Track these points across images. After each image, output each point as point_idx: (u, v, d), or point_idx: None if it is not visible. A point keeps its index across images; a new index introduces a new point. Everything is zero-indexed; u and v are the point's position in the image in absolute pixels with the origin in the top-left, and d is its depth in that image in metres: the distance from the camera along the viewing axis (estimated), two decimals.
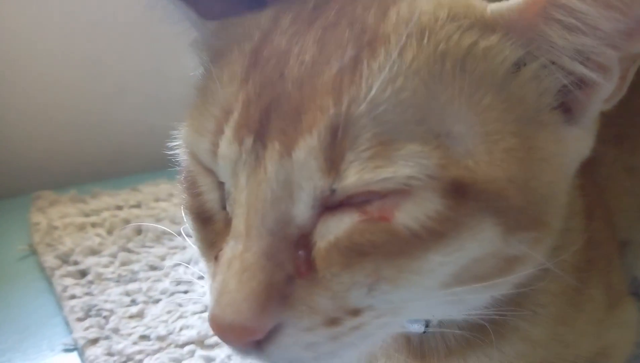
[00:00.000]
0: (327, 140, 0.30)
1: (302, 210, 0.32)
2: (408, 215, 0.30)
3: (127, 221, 0.89)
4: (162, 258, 0.79)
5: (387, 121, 0.30)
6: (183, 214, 0.39)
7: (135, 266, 0.77)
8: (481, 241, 0.32)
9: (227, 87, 0.34)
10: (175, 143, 0.39)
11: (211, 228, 0.36)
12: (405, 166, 0.29)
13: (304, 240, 0.32)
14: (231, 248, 0.32)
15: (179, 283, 0.74)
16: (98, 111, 1.11)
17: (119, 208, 0.94)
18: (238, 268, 0.31)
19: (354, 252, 0.31)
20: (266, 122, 0.31)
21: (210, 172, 0.36)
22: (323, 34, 0.32)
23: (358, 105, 0.30)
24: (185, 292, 0.72)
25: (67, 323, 0.68)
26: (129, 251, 0.81)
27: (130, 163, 1.12)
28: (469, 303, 0.38)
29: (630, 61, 0.34)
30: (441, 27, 0.32)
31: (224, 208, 0.36)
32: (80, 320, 0.66)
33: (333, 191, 0.31)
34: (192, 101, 0.37)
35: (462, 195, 0.30)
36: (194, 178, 0.38)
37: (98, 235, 0.85)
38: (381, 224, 0.30)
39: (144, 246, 0.82)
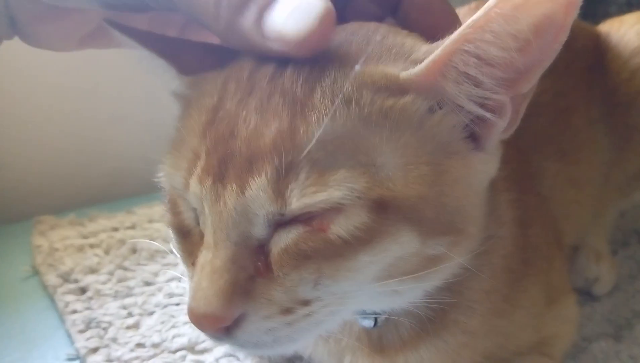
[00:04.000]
0: (274, 179, 0.38)
1: (259, 229, 0.40)
2: (340, 227, 0.38)
3: (123, 242, 0.95)
4: (156, 274, 0.86)
5: (322, 161, 0.38)
6: (168, 228, 0.47)
7: (131, 283, 0.84)
8: (401, 244, 0.40)
9: (193, 136, 0.42)
10: (160, 174, 0.46)
11: (189, 240, 0.45)
12: (338, 190, 0.38)
13: (262, 248, 0.40)
14: (204, 256, 0.40)
15: (171, 296, 0.81)
16: (94, 138, 1.18)
17: (115, 229, 1.00)
18: (209, 271, 0.39)
19: (300, 256, 0.39)
20: (224, 169, 0.39)
21: (185, 198, 0.44)
22: (261, 103, 0.40)
23: (298, 155, 0.38)
24: (177, 304, 0.79)
25: (69, 336, 0.74)
26: (125, 268, 0.87)
27: (125, 187, 1.18)
28: (405, 295, 0.46)
29: (521, 98, 0.43)
30: (366, 97, 0.40)
31: (198, 224, 0.44)
32: (81, 331, 0.73)
33: (282, 215, 0.39)
34: (173, 139, 0.46)
35: (383, 210, 0.39)
36: (175, 201, 0.46)
37: (96, 255, 0.91)
38: (320, 235, 0.39)
39: (139, 264, 0.89)
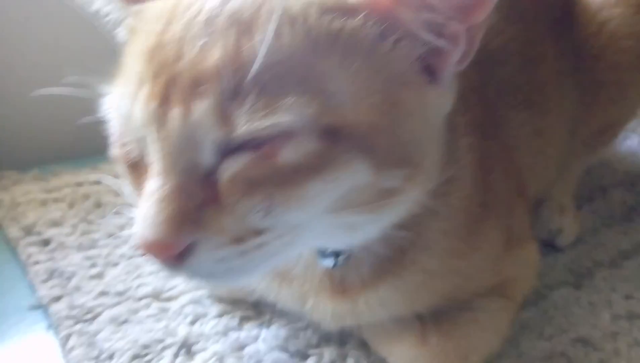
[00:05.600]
0: (219, 102, 0.37)
1: (206, 156, 0.39)
2: (290, 153, 0.38)
3: (87, 196, 0.93)
4: (121, 228, 0.85)
5: (271, 85, 0.37)
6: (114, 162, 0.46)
7: (95, 235, 0.83)
8: (354, 173, 0.40)
9: (139, 62, 0.41)
10: (104, 106, 0.45)
11: (137, 171, 0.43)
12: (287, 115, 0.37)
13: (211, 176, 0.39)
14: (151, 185, 0.39)
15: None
16: (58, 94, 1.15)
17: (80, 184, 0.98)
18: (157, 199, 0.38)
19: (250, 183, 0.38)
20: (169, 93, 0.38)
21: (130, 128, 0.42)
22: (208, 24, 0.39)
23: (244, 78, 0.37)
24: (143, 255, 0.78)
25: (32, 286, 0.73)
26: (89, 222, 0.86)
27: (90, 144, 1.16)
28: (361, 230, 0.46)
29: (476, 29, 0.42)
30: (313, 16, 0.39)
31: (145, 153, 0.42)
32: (44, 281, 0.72)
33: (229, 140, 0.38)
34: (118, 68, 0.44)
35: (334, 137, 0.38)
36: (121, 132, 0.44)
37: (59, 209, 0.90)
38: (269, 161, 0.38)
39: (103, 217, 0.88)
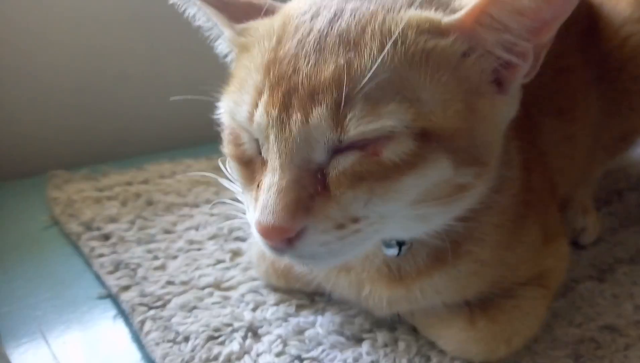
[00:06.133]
0: (333, 109, 0.44)
1: (319, 154, 0.46)
2: (391, 152, 0.45)
3: (138, 195, 0.99)
4: (174, 224, 0.91)
5: (375, 94, 0.44)
6: (227, 160, 0.54)
7: (152, 231, 0.88)
8: (439, 169, 0.46)
9: (255, 75, 0.48)
10: (219, 110, 0.52)
11: (251, 167, 0.51)
12: (389, 120, 0.44)
13: (321, 171, 0.46)
14: (269, 179, 0.46)
15: (192, 242, 0.86)
16: (103, 98, 1.21)
17: (129, 183, 1.04)
18: (275, 190, 0.45)
19: (356, 177, 0.45)
20: (289, 101, 0.45)
21: (247, 130, 0.49)
22: (319, 42, 0.46)
23: (353, 89, 0.44)
24: (199, 250, 0.84)
25: (97, 277, 0.79)
26: (145, 218, 0.92)
27: (133, 145, 1.22)
28: (431, 221, 0.52)
29: (541, 47, 0.49)
30: (411, 38, 0.46)
31: (259, 153, 0.49)
32: (110, 272, 0.77)
33: (340, 141, 0.45)
34: (231, 79, 0.51)
35: (426, 138, 0.45)
36: (237, 134, 0.52)
37: (114, 206, 0.95)
38: (374, 158, 0.45)
39: (156, 214, 0.94)
